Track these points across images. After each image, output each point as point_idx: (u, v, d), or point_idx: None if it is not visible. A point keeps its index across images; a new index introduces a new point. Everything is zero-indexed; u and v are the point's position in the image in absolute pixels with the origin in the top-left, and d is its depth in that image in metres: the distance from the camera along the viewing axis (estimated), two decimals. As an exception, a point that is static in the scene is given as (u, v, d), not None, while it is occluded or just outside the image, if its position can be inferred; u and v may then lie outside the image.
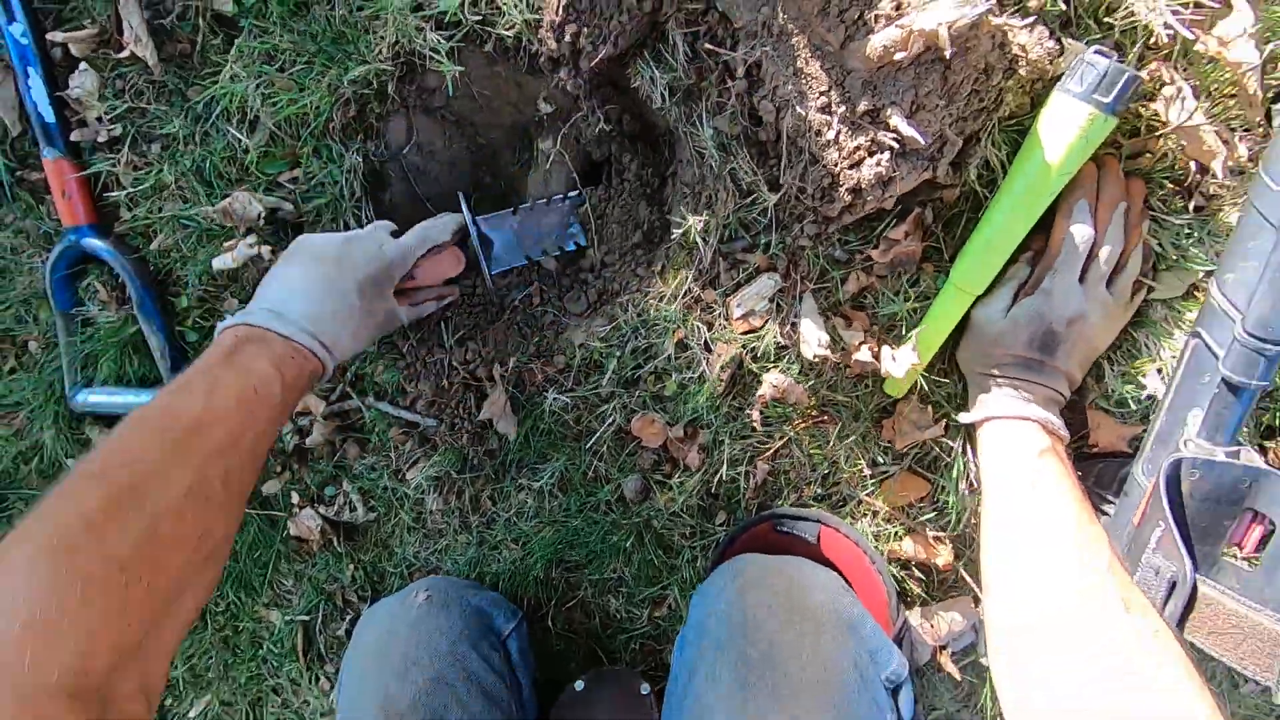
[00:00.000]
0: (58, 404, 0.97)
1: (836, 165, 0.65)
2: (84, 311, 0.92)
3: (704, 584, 0.75)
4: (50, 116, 0.83)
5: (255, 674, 1.09)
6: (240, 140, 0.81)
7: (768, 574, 0.72)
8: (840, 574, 0.77)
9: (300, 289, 0.68)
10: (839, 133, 0.64)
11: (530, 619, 0.95)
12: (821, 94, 0.64)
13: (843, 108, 0.63)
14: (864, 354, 0.73)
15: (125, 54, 0.79)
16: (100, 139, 0.85)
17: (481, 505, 0.93)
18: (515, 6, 0.70)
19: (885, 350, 0.73)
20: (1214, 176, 0.63)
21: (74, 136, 0.85)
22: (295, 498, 0.96)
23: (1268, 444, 0.71)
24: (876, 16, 0.58)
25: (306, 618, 1.04)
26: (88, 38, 0.80)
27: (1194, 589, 0.55)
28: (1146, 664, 0.50)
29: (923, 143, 0.61)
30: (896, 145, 0.63)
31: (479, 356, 0.86)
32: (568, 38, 0.68)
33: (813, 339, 0.74)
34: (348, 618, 1.03)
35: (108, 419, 0.99)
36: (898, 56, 0.58)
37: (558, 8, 0.67)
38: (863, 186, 0.65)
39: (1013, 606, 0.61)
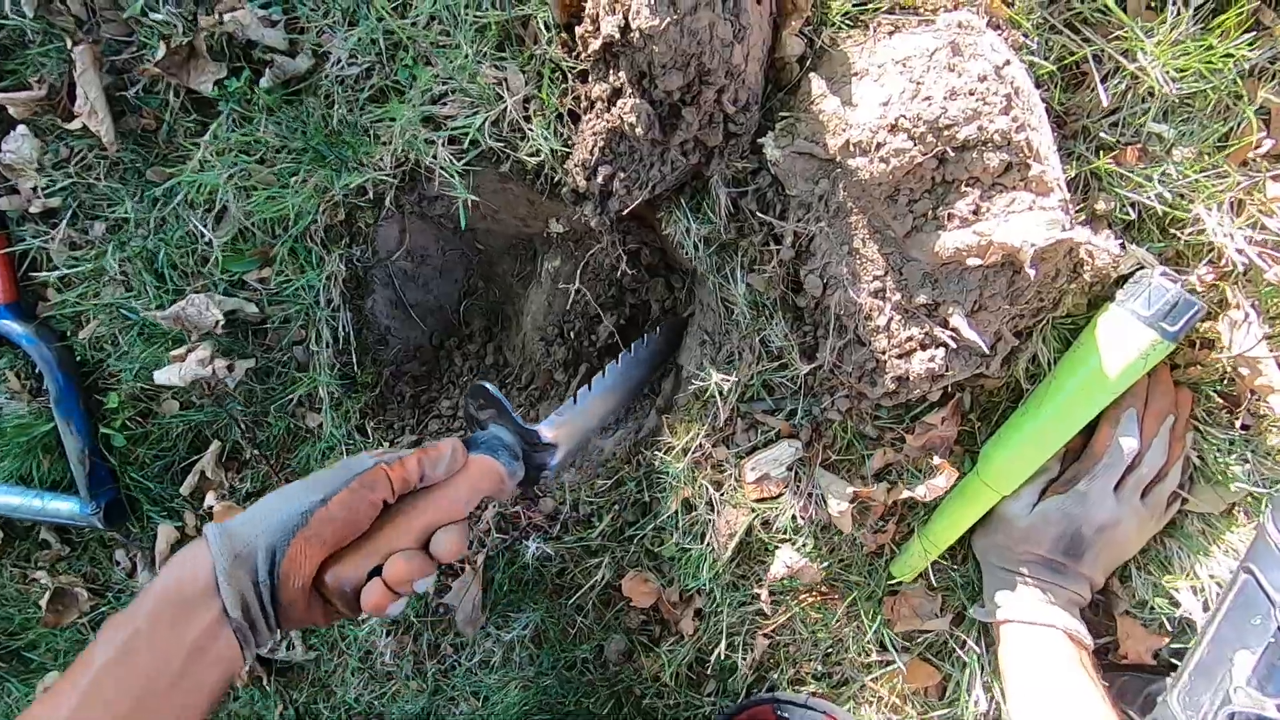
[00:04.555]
0: (-58, 500, 0.82)
1: (884, 353, 0.60)
2: (-12, 399, 0.79)
3: None
4: (-27, 180, 0.71)
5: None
6: (203, 233, 0.71)
7: None
8: (843, 775, 0.70)
9: None
10: (890, 320, 0.59)
11: (484, 781, 0.84)
12: (876, 278, 0.58)
13: (898, 295, 0.58)
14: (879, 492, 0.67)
15: (76, 124, 0.68)
16: (32, 210, 0.73)
17: (441, 651, 0.83)
18: (542, 135, 0.63)
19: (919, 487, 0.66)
20: (1268, 404, 0.60)
21: (0, 204, 0.73)
22: (223, 629, 0.83)
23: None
24: (950, 215, 0.53)
25: (220, 758, 0.90)
26: (31, 100, 0.69)
27: None
28: None
29: (983, 347, 0.56)
30: (952, 343, 0.57)
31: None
32: (600, 179, 0.61)
33: (838, 492, 0.67)
34: (270, 763, 0.90)
35: (2, 518, 0.84)
36: (971, 262, 0.53)
37: (592, 147, 0.60)
38: (911, 378, 0.59)
39: None
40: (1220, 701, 0.59)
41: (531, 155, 0.64)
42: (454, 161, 0.64)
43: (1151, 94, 0.57)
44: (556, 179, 0.66)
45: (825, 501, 0.68)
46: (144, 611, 0.42)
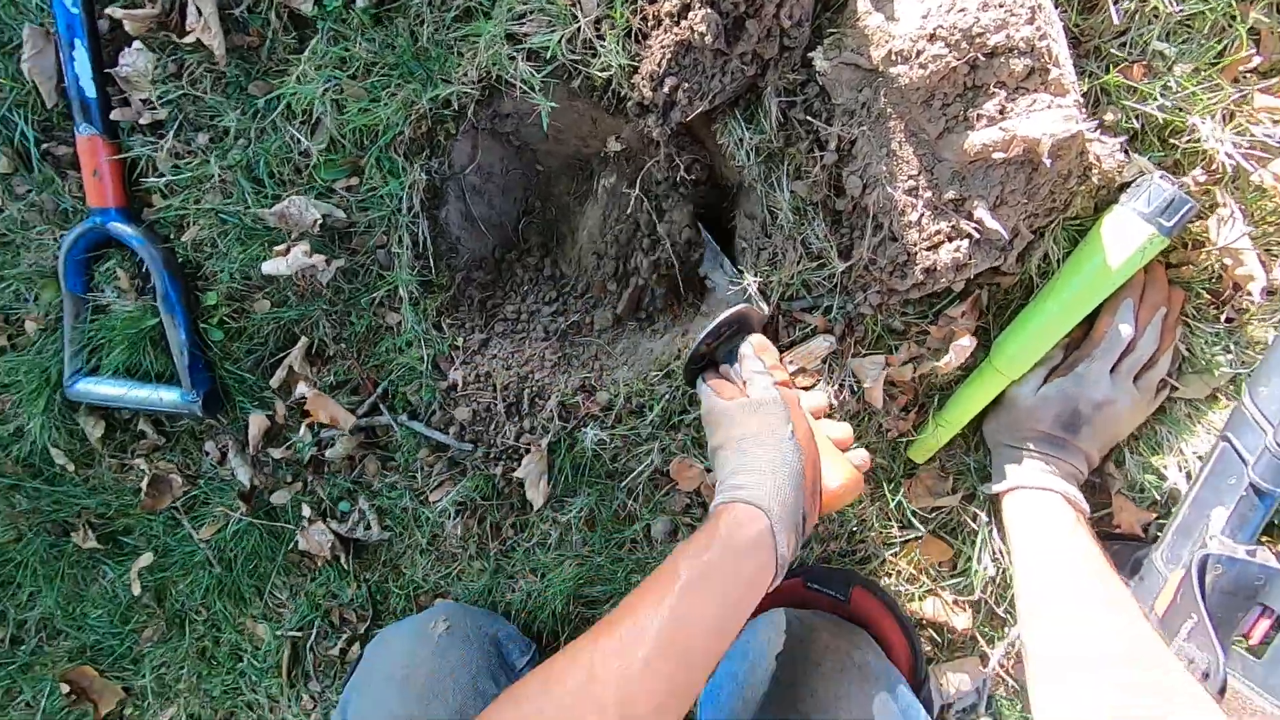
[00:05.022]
0: (53, 390, 0.91)
1: (915, 245, 0.68)
2: (98, 297, 0.87)
3: (743, 636, 0.76)
4: (92, 92, 0.79)
5: (231, 687, 1.04)
6: (300, 142, 0.79)
7: (809, 630, 0.74)
8: (870, 632, 0.79)
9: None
10: (922, 215, 0.67)
11: (542, 652, 0.94)
12: (911, 177, 0.66)
13: (929, 193, 0.66)
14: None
15: (189, 40, 0.75)
16: (142, 121, 0.81)
17: (503, 533, 0.92)
18: (614, 51, 0.70)
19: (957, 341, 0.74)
20: (1249, 295, 0.68)
21: (114, 115, 0.80)
22: (306, 510, 0.92)
23: (1264, 539, 0.77)
24: (979, 115, 0.61)
25: (298, 634, 1.00)
26: (146, 17, 0.76)
27: (1225, 679, 0.60)
28: (1197, 690, 0.56)
29: (1004, 236, 0.64)
30: (976, 234, 0.66)
31: (522, 384, 0.85)
32: (665, 89, 0.69)
33: (871, 369, 0.76)
34: (342, 637, 0.99)
35: (104, 410, 0.93)
36: (996, 156, 0.61)
37: (660, 60, 0.68)
38: (938, 268, 0.68)
39: (1050, 641, 0.64)
40: (1198, 549, 0.68)
41: (602, 70, 0.72)
42: (534, 74, 0.72)
43: (1157, 15, 0.64)
44: (622, 93, 0.73)
45: (857, 387, 0.77)
46: (716, 550, 0.56)
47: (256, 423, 0.89)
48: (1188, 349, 0.74)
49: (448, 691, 0.73)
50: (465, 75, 0.74)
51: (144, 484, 0.93)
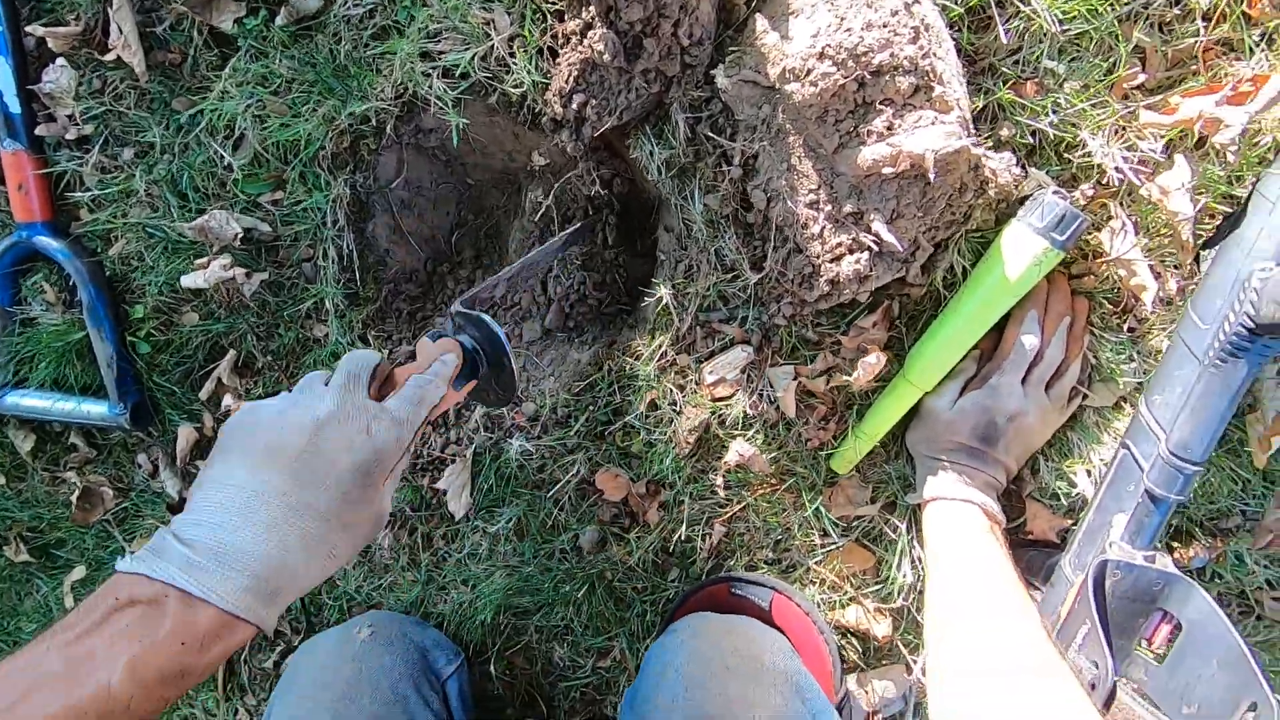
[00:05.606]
0: (-19, 404, 0.91)
1: (819, 257, 0.69)
2: (24, 310, 0.87)
3: (661, 639, 0.76)
4: (16, 108, 0.79)
5: (167, 703, 1.03)
6: (223, 157, 0.79)
7: (724, 633, 0.74)
8: (788, 639, 0.80)
9: (248, 512, 0.43)
10: (824, 228, 0.68)
11: (470, 661, 0.94)
12: (811, 191, 0.68)
13: (829, 206, 0.67)
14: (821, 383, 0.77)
15: (110, 57, 0.76)
16: (68, 136, 0.81)
17: (433, 544, 0.92)
18: (525, 68, 0.72)
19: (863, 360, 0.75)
20: (1144, 305, 0.70)
21: (39, 131, 0.81)
22: (236, 523, 0.92)
23: (1175, 545, 0.78)
24: (869, 131, 0.63)
25: (232, 647, 0.99)
26: (69, 35, 0.77)
27: (1113, 690, 0.61)
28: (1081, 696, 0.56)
29: (900, 249, 0.66)
30: (875, 247, 0.67)
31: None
32: (574, 106, 0.70)
33: (783, 378, 0.77)
34: (277, 649, 0.99)
35: (34, 423, 0.93)
36: (885, 171, 0.62)
37: (568, 77, 0.69)
38: (841, 280, 0.69)
39: (962, 653, 0.65)
40: (1098, 556, 0.69)
41: (515, 87, 0.73)
42: (448, 91, 0.73)
43: (1045, 35, 0.66)
44: (537, 109, 0.75)
45: (773, 396, 0.78)
46: None
47: (185, 435, 0.89)
48: (1096, 358, 0.75)
49: (364, 696, 0.74)
50: (382, 92, 0.75)
51: (75, 497, 0.93)
